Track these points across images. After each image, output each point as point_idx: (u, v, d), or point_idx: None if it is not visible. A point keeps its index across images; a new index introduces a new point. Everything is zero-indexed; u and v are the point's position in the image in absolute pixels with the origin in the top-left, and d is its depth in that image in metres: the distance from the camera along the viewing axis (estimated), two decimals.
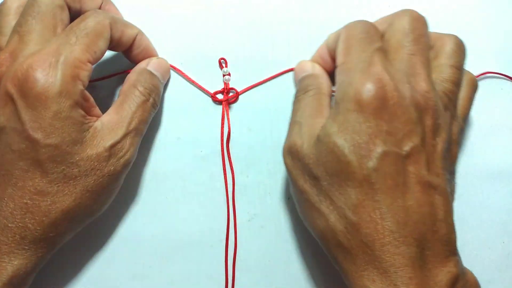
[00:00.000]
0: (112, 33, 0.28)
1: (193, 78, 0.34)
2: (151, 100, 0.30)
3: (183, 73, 0.34)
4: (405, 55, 0.26)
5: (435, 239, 0.24)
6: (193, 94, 0.34)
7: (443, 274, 0.24)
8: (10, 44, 0.27)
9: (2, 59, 0.27)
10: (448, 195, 0.25)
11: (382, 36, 0.28)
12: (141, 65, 0.32)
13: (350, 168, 0.24)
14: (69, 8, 0.29)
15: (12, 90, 0.25)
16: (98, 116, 0.28)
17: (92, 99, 0.28)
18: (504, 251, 0.33)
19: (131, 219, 0.33)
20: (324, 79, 0.31)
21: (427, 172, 0.24)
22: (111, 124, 0.28)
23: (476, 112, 0.34)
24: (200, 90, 0.34)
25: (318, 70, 0.32)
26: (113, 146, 0.27)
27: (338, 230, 0.25)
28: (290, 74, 0.34)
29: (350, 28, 0.28)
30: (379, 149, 0.24)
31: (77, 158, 0.26)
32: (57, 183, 0.26)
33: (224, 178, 0.33)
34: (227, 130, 0.33)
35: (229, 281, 0.32)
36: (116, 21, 0.29)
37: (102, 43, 0.28)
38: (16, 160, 0.25)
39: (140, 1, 0.34)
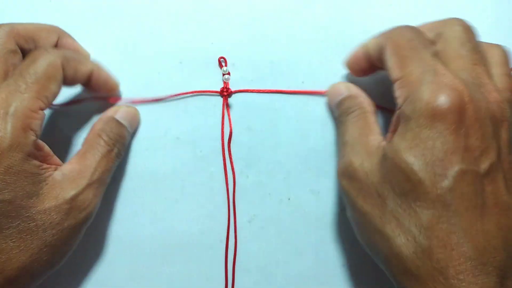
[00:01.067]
0: (65, 72, 0.27)
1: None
2: (115, 150, 0.29)
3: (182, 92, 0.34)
4: (468, 65, 0.24)
5: None
6: (192, 94, 0.34)
7: None
8: None
9: None
10: None
11: (432, 42, 0.26)
12: (109, 113, 0.31)
13: (422, 188, 0.22)
14: (23, 50, 0.28)
15: None
16: (57, 165, 0.27)
17: (47, 148, 0.27)
18: None
19: (130, 219, 0.33)
20: (363, 97, 0.30)
21: (506, 191, 0.23)
22: (72, 174, 0.27)
23: None
24: (204, 93, 0.34)
25: (354, 89, 0.31)
26: (74, 198, 0.26)
27: (405, 255, 0.23)
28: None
29: (395, 36, 0.26)
30: (456, 167, 0.22)
31: (34, 212, 0.25)
32: (13, 239, 0.24)
33: (225, 178, 0.33)
34: (228, 129, 0.33)
35: (229, 281, 0.32)
36: (68, 59, 0.28)
37: (55, 86, 0.26)
38: None
39: (140, 0, 0.34)
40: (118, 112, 0.31)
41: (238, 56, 0.34)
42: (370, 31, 0.34)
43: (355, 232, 0.28)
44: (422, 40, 0.26)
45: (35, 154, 0.25)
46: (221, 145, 0.33)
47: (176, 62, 0.34)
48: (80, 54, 0.31)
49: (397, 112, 0.25)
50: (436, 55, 0.25)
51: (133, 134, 0.33)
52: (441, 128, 0.22)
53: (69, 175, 0.27)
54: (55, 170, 0.26)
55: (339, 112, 0.31)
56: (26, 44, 0.28)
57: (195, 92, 0.33)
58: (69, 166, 0.27)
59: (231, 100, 0.34)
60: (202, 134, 0.33)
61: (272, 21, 0.34)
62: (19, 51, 0.28)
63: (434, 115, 0.22)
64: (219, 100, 0.34)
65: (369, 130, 0.27)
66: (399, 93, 0.25)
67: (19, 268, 0.25)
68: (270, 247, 0.33)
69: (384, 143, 0.26)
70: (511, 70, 0.27)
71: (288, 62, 0.34)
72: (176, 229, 0.33)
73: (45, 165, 0.26)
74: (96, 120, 0.31)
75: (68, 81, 0.28)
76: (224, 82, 0.34)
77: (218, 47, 0.34)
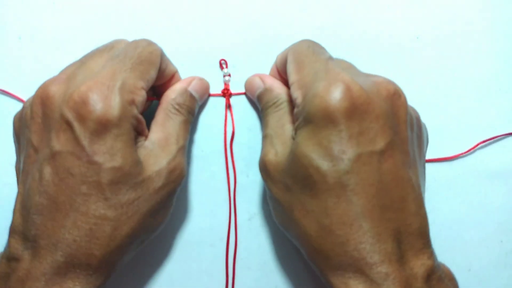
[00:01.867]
0: (160, 63, 0.29)
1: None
2: (189, 119, 0.30)
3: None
4: (347, 67, 0.27)
5: (409, 233, 0.24)
6: None
7: (418, 267, 0.24)
8: (69, 68, 0.28)
9: (56, 78, 0.27)
10: (419, 188, 0.25)
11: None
12: (182, 84, 0.31)
13: (320, 174, 0.24)
14: None
15: (69, 114, 0.24)
16: (146, 135, 0.28)
17: (144, 122, 0.28)
18: (502, 250, 0.33)
19: None
20: (279, 88, 0.31)
21: (402, 165, 0.24)
22: (161, 142, 0.28)
23: (475, 113, 0.34)
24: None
25: (269, 81, 0.32)
26: (170, 163, 0.27)
27: (311, 234, 0.25)
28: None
29: (296, 46, 0.29)
30: (352, 151, 0.24)
31: (140, 179, 0.26)
32: (122, 206, 0.25)
33: (227, 177, 0.33)
34: (230, 130, 0.34)
35: (229, 279, 0.33)
36: (163, 54, 0.29)
37: (154, 72, 0.28)
38: (78, 184, 0.24)
39: (141, 2, 0.35)
40: (192, 84, 0.31)
41: (239, 58, 0.34)
42: (368, 31, 0.34)
43: (273, 217, 0.29)
44: (319, 47, 0.28)
45: (137, 126, 0.26)
46: (222, 145, 0.34)
47: (177, 65, 0.34)
48: None
49: (295, 111, 0.26)
50: (331, 58, 0.27)
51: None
52: (336, 119, 0.24)
53: (159, 143, 0.28)
54: (145, 140, 0.28)
55: (260, 107, 0.32)
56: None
57: None
58: (155, 135, 0.28)
59: (231, 101, 0.34)
60: (204, 134, 0.34)
61: (272, 23, 0.35)
62: None
63: (328, 109, 0.24)
64: (220, 101, 0.34)
65: (285, 120, 0.29)
66: (296, 94, 0.27)
67: (128, 235, 0.26)
68: (270, 245, 0.33)
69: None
70: None
71: None
72: (177, 226, 0.33)
73: (142, 136, 0.28)
74: None
75: (158, 74, 0.29)
76: (225, 84, 0.34)
77: (219, 49, 0.34)
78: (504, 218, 0.33)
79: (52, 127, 0.25)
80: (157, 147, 0.27)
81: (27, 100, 0.28)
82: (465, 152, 0.34)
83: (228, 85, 0.34)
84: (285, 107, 0.30)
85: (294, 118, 0.27)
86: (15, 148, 0.29)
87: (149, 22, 0.34)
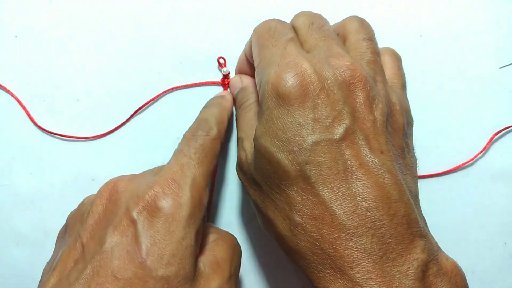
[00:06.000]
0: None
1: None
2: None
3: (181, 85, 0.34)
4: (318, 41, 0.25)
5: (395, 223, 0.21)
6: (192, 94, 0.34)
7: (409, 262, 0.21)
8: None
9: (124, 176, 0.25)
10: (397, 172, 0.23)
11: (293, 28, 0.27)
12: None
13: (282, 167, 0.23)
14: None
15: (135, 211, 0.22)
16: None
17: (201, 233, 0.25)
18: (506, 252, 0.33)
19: None
20: (252, 87, 0.30)
21: (368, 151, 0.22)
22: (213, 265, 0.24)
23: (479, 113, 0.34)
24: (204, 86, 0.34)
25: (246, 81, 0.31)
26: (222, 286, 0.24)
27: (284, 234, 0.23)
28: None
29: (258, 29, 0.28)
30: (308, 140, 0.22)
31: None
32: None
33: (213, 179, 0.33)
34: (230, 128, 0.33)
35: None
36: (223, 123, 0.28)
37: (213, 167, 0.26)
38: None
39: (141, 1, 0.34)
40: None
41: (238, 56, 0.34)
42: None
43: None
44: (280, 28, 0.26)
45: (199, 234, 0.24)
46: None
47: (176, 62, 0.34)
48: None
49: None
50: (293, 39, 0.25)
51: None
52: (287, 106, 0.23)
53: (210, 266, 0.24)
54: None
55: (235, 106, 0.31)
56: None
57: (196, 84, 0.34)
58: (209, 257, 0.25)
59: None
60: None
61: None
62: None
63: (279, 95, 0.23)
64: None
65: (254, 121, 0.28)
66: (256, 80, 0.26)
67: None
68: (269, 247, 0.33)
69: None
70: (371, 33, 0.28)
71: None
72: None
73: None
74: None
75: None
76: (223, 76, 0.34)
77: (218, 47, 0.34)
78: (507, 220, 0.33)
79: (110, 223, 0.22)
80: (208, 269, 0.24)
81: (88, 197, 0.26)
82: (475, 157, 0.34)
83: (227, 75, 0.34)
84: (254, 107, 0.29)
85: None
86: (55, 248, 0.26)
87: (147, 20, 0.34)
